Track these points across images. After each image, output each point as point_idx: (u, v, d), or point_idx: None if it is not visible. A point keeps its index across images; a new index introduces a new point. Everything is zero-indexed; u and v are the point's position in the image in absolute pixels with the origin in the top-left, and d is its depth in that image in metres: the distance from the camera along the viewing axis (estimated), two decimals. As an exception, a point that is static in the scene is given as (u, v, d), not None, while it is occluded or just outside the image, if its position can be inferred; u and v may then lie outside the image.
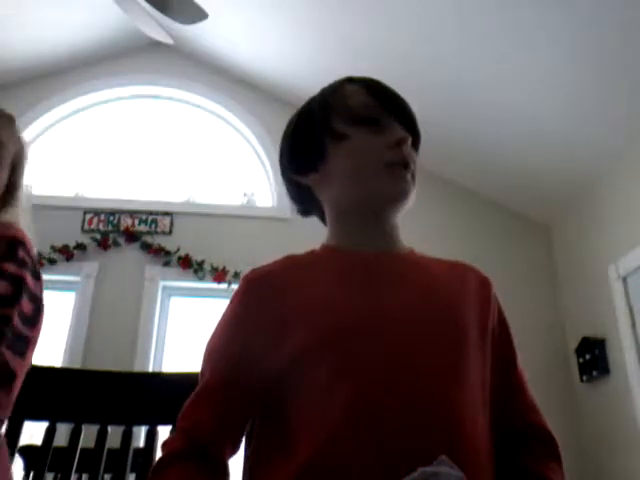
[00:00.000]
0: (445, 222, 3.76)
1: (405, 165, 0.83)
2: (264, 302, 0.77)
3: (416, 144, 0.88)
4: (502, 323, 0.85)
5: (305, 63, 3.58)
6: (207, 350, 0.81)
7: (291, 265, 0.83)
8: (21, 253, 0.99)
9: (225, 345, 0.79)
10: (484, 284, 0.86)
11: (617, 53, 2.56)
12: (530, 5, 2.55)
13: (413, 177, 0.84)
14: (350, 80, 0.92)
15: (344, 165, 0.84)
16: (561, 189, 3.49)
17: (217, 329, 0.81)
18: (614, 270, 3.04)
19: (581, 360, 3.27)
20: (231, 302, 0.81)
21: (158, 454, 1.20)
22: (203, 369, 0.80)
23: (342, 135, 0.84)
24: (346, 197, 0.85)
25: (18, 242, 1.00)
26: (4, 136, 1.04)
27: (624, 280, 2.98)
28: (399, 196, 0.83)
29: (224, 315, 0.81)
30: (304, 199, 0.92)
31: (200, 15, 2.48)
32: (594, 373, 3.15)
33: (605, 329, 3.13)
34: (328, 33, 3.28)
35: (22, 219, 1.08)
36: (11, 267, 0.96)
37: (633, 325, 2.90)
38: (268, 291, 0.78)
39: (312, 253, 0.87)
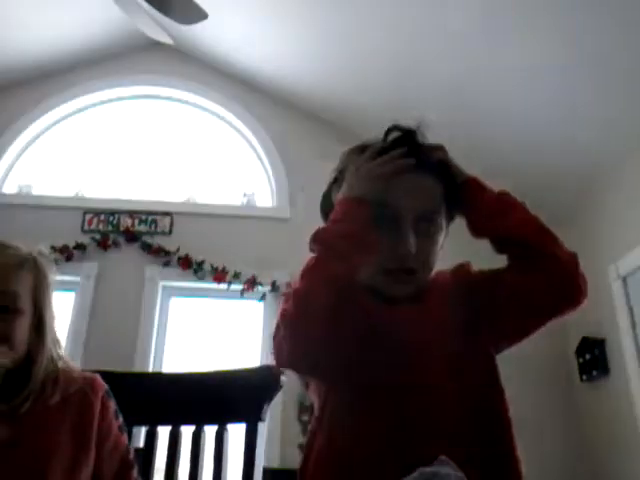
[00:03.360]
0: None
1: (407, 271, 0.91)
2: None
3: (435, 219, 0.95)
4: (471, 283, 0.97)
5: (305, 63, 3.58)
6: None
7: None
8: (113, 404, 1.04)
9: None
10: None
11: (618, 55, 2.56)
12: (531, 9, 2.54)
13: (426, 266, 0.93)
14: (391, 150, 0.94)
15: None
16: (561, 190, 3.49)
17: None
18: (614, 270, 3.04)
19: (581, 360, 3.27)
20: None
21: (158, 454, 1.20)
22: None
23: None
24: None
25: (108, 393, 1.04)
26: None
27: (624, 280, 2.98)
28: (395, 297, 0.91)
29: None
30: None
31: (200, 15, 2.48)
32: (594, 373, 3.15)
33: (605, 329, 3.12)
34: (329, 33, 3.27)
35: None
36: (120, 419, 1.04)
37: (633, 325, 2.90)
38: None
39: None
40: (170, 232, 3.61)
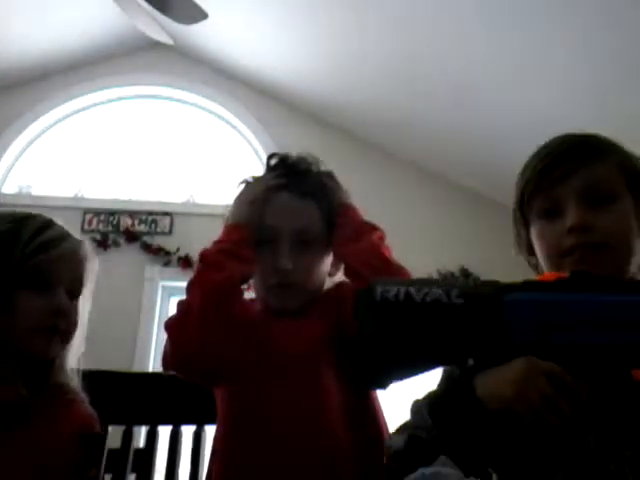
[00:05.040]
0: (448, 222, 3.76)
1: (286, 286, 0.97)
2: None
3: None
4: None
5: (307, 63, 3.58)
6: None
7: None
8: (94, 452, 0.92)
9: None
10: None
11: (618, 52, 2.56)
12: (530, 5, 2.55)
13: (307, 281, 0.98)
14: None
15: None
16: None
17: None
18: (614, 270, 3.04)
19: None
20: None
21: (158, 454, 1.20)
22: None
23: None
24: None
25: (95, 437, 0.92)
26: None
27: (624, 280, 2.98)
28: (281, 310, 0.98)
29: None
30: None
31: (200, 15, 2.48)
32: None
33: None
34: (330, 33, 3.27)
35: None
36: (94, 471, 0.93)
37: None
38: None
39: None
40: (170, 232, 3.62)
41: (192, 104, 4.07)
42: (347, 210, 1.00)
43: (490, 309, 0.62)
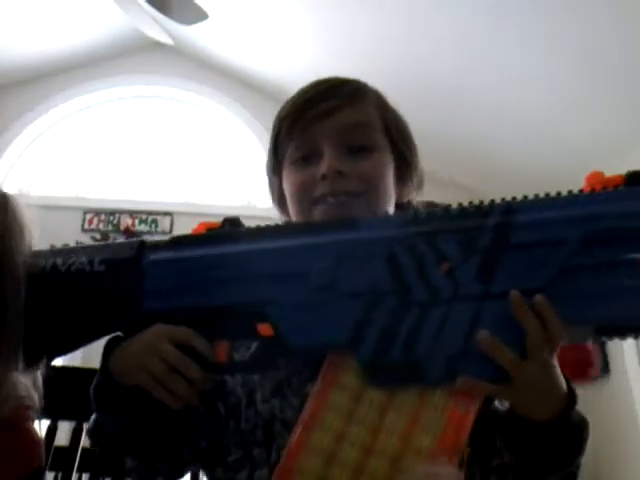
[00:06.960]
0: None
1: None
2: None
3: None
4: None
5: (305, 63, 3.58)
6: None
7: None
8: None
9: None
10: None
11: (619, 52, 2.56)
12: (528, 4, 2.55)
13: None
14: None
15: None
16: (560, 189, 3.49)
17: None
18: (614, 270, 3.04)
19: (581, 360, 3.27)
20: None
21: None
22: None
23: None
24: None
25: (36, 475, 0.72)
26: None
27: (624, 280, 2.98)
28: None
29: None
30: None
31: (200, 15, 2.48)
32: (594, 373, 3.15)
33: (605, 329, 3.12)
34: (329, 33, 3.28)
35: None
36: None
37: (633, 325, 2.90)
38: None
39: None
40: (170, 232, 3.61)
41: (192, 104, 4.07)
42: None
43: (128, 274, 0.59)
